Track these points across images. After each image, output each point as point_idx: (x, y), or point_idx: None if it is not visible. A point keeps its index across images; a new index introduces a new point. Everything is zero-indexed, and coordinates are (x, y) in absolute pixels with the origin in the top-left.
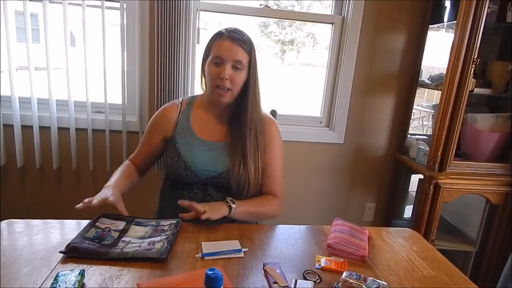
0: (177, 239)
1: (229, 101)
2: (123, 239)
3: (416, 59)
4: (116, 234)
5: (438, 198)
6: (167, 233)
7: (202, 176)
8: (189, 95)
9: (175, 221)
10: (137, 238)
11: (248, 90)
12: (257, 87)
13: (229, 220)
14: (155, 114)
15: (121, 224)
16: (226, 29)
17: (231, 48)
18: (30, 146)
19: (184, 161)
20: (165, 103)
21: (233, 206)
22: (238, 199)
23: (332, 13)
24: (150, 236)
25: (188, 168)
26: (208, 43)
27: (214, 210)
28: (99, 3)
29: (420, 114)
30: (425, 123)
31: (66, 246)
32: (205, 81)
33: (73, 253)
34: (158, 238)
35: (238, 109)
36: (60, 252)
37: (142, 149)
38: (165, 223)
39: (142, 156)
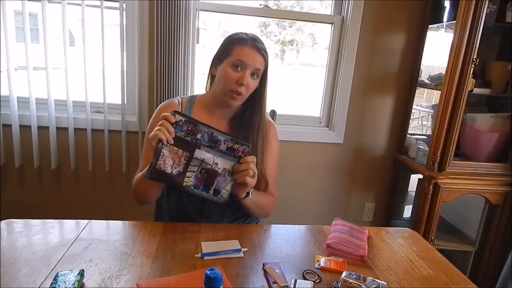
0: (177, 239)
1: (238, 104)
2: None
3: (416, 59)
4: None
5: (438, 198)
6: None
7: None
8: (188, 95)
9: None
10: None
11: (261, 97)
12: (267, 93)
13: (230, 220)
14: (155, 114)
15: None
16: (247, 35)
17: (255, 56)
18: (29, 146)
19: None
20: (164, 101)
21: (250, 195)
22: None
23: (332, 13)
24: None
25: None
26: (228, 45)
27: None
28: (98, 3)
29: (420, 114)
30: (424, 123)
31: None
32: (210, 81)
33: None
34: (223, 182)
35: (242, 112)
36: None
37: (150, 156)
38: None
39: None
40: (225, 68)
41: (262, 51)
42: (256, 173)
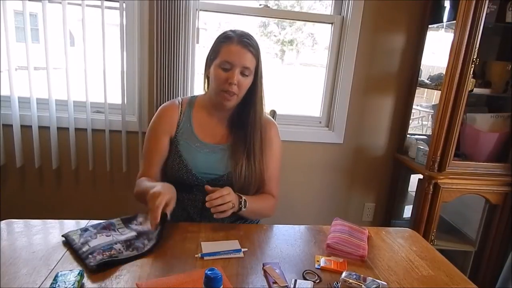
0: (177, 239)
1: (234, 105)
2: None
3: (416, 59)
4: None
5: (438, 198)
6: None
7: (203, 179)
8: (189, 95)
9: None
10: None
11: (255, 94)
12: (263, 90)
13: (230, 220)
14: (156, 116)
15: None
16: (234, 32)
17: (241, 53)
18: (30, 146)
19: (186, 164)
20: (165, 103)
21: (243, 209)
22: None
23: (332, 13)
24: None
25: (189, 172)
26: (215, 45)
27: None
28: (98, 3)
29: (420, 114)
30: (424, 123)
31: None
32: (208, 83)
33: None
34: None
35: (241, 111)
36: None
37: (152, 157)
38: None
39: (154, 164)
40: (215, 70)
41: (249, 47)
42: (234, 204)
